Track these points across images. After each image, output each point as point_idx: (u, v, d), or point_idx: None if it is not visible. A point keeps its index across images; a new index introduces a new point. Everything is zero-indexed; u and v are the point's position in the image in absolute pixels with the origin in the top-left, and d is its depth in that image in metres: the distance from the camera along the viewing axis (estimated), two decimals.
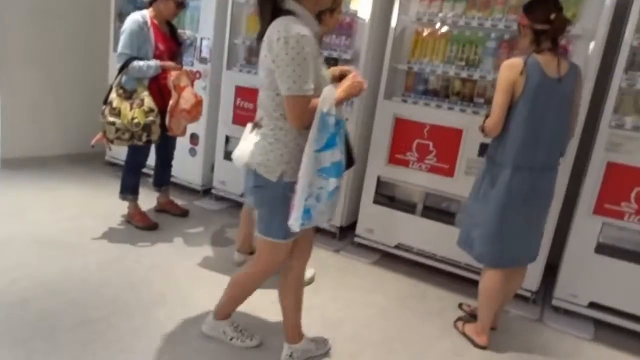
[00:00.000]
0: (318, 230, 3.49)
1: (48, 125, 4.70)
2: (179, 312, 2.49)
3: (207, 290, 2.71)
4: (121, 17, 4.50)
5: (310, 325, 2.34)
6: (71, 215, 3.52)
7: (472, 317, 2.75)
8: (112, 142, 3.10)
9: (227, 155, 4.02)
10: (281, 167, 1.82)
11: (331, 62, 3.40)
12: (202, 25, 3.95)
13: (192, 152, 4.18)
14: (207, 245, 3.31)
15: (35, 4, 4.35)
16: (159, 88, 3.22)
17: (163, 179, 3.71)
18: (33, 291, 2.51)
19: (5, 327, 2.21)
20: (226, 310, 2.29)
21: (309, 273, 2.89)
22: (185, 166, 4.16)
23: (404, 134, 3.28)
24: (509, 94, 2.21)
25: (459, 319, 2.73)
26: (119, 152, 4.61)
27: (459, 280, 3.17)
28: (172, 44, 3.31)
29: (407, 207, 3.38)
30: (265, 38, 1.76)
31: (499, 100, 2.23)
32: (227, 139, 4.03)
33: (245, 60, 3.94)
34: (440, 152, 3.18)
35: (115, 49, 4.45)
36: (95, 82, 4.83)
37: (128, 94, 3.12)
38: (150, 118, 3.07)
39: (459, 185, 3.10)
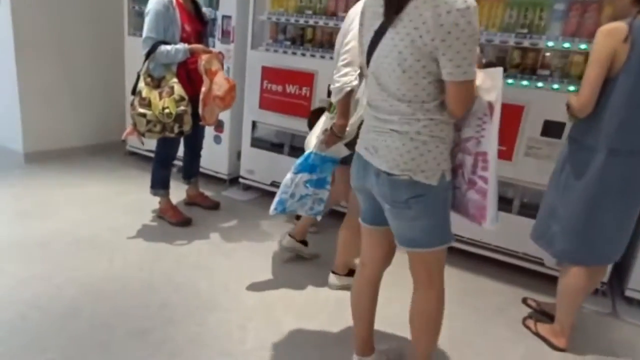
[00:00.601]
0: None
1: (66, 116, 4.47)
2: (232, 317, 2.33)
3: (256, 292, 2.56)
4: None
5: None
6: (102, 212, 3.33)
7: (541, 314, 2.55)
8: (143, 135, 2.89)
9: (255, 143, 3.82)
10: (441, 166, 1.54)
11: None
12: (223, 1, 3.67)
13: (217, 139, 3.96)
14: (245, 241, 3.13)
15: None
16: (188, 74, 2.99)
17: (192, 170, 3.50)
18: (80, 299, 2.35)
19: (61, 340, 2.06)
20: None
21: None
22: (211, 155, 3.94)
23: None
24: (606, 66, 1.92)
25: (529, 317, 2.53)
26: (138, 143, 4.42)
27: None
28: (198, 25, 3.06)
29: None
30: (410, 12, 1.42)
31: (594, 73, 1.93)
32: (254, 125, 3.81)
33: (271, 39, 3.68)
34: None
35: (130, 32, 4.26)
36: (110, 67, 4.63)
37: (156, 82, 2.89)
38: (182, 107, 2.84)
39: None
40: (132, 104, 2.88)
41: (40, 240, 2.84)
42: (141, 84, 2.86)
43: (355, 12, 2.17)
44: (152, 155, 4.31)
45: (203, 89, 2.92)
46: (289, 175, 2.32)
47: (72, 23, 4.32)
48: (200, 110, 2.95)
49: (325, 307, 2.48)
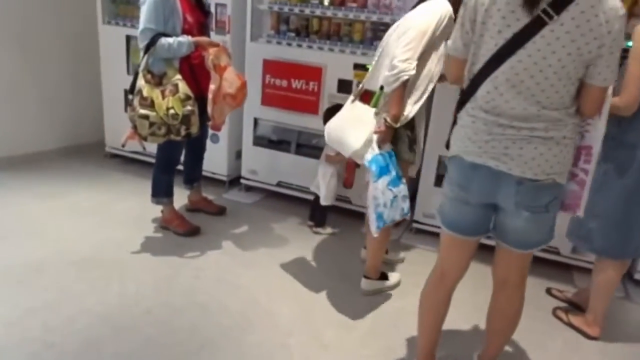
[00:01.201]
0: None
1: (33, 115, 4.04)
2: (271, 335, 2.15)
3: (288, 304, 2.38)
4: None
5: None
6: (95, 226, 3.02)
7: (567, 303, 2.57)
8: (145, 139, 2.60)
9: (257, 141, 3.58)
10: (569, 167, 1.60)
11: None
12: None
13: (215, 138, 3.68)
14: (263, 247, 2.92)
15: None
16: (191, 69, 2.73)
17: (195, 174, 3.24)
18: (98, 331, 2.08)
19: None
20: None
21: (394, 277, 2.61)
22: (208, 155, 3.62)
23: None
24: None
25: (558, 308, 2.52)
26: (119, 143, 4.08)
27: None
28: (200, 15, 2.78)
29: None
30: (577, 17, 1.36)
31: (637, 71, 1.90)
32: (256, 122, 3.56)
33: (273, 30, 3.43)
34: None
35: (104, 20, 3.89)
36: (83, 60, 4.24)
37: (157, 79, 2.60)
38: (189, 107, 2.58)
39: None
40: (131, 105, 2.59)
41: (34, 265, 2.52)
42: (141, 82, 2.57)
43: (436, 9, 2.10)
44: (135, 157, 4.05)
45: (212, 87, 2.67)
46: (371, 187, 2.11)
47: (36, 10, 3.87)
48: (209, 110, 2.70)
49: (365, 314, 2.35)
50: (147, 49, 2.55)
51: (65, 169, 3.93)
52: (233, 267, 2.66)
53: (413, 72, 2.05)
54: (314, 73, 3.26)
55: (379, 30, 3.11)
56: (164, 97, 2.56)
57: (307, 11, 3.22)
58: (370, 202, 2.15)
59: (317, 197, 3.14)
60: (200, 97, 2.69)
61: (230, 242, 2.95)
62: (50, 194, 3.44)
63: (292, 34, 3.35)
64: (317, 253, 2.92)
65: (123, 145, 2.65)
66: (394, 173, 2.11)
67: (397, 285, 2.60)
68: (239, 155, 3.79)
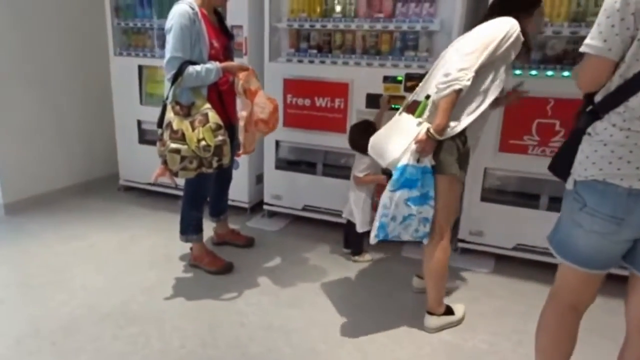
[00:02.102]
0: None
1: (48, 154, 3.85)
2: None
3: (348, 349, 2.16)
4: (118, 11, 3.68)
5: None
6: (122, 269, 2.80)
7: None
8: (176, 174, 2.40)
9: (280, 164, 3.39)
10: None
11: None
12: (233, 9, 3.19)
13: (235, 163, 3.47)
14: (302, 282, 2.71)
15: (17, 9, 3.44)
16: (219, 96, 2.53)
17: (222, 205, 3.03)
18: None
19: None
20: None
21: (460, 310, 2.39)
22: None
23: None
24: None
25: None
26: (135, 174, 3.88)
27: None
28: (224, 39, 2.59)
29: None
30: None
31: None
32: (277, 145, 3.37)
33: (292, 48, 3.25)
34: None
35: (116, 52, 3.72)
36: (95, 93, 4.06)
37: (186, 110, 2.41)
38: (220, 137, 2.38)
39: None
40: (160, 139, 2.40)
41: (66, 323, 2.29)
42: (170, 115, 2.37)
43: (503, 26, 1.94)
44: (150, 188, 3.84)
45: (243, 113, 2.48)
46: (386, 194, 2.00)
47: (50, 47, 3.72)
48: (240, 138, 2.51)
49: (435, 354, 2.15)
50: (175, 78, 2.35)
51: (82, 206, 3.74)
52: (278, 309, 2.45)
53: (468, 83, 1.87)
54: (340, 89, 3.09)
55: (408, 40, 2.94)
56: (193, 128, 2.36)
57: (330, 25, 3.06)
58: (380, 207, 2.02)
59: (349, 223, 2.96)
60: (230, 125, 2.50)
61: (266, 278, 2.74)
62: (73, 235, 3.23)
63: (314, 51, 3.16)
64: (361, 284, 2.72)
65: (153, 183, 2.44)
66: (422, 191, 1.97)
67: (463, 318, 2.36)
68: (259, 179, 3.60)
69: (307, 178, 3.34)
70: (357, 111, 3.07)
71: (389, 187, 2.00)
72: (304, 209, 3.39)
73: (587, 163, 1.41)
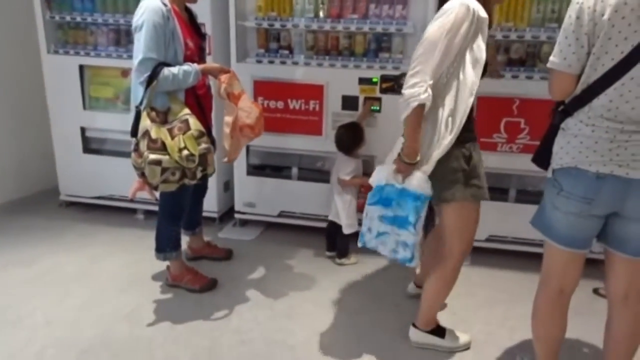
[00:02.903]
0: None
1: None
2: None
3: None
4: (50, 3, 3.29)
5: None
6: (91, 297, 2.51)
7: None
8: (156, 188, 2.19)
9: (252, 170, 3.23)
10: None
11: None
12: (194, 6, 2.98)
13: None
14: (293, 292, 2.60)
15: None
16: (197, 101, 2.36)
17: (197, 217, 2.82)
18: None
19: None
20: None
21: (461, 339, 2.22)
22: None
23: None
24: None
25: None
26: (78, 187, 3.52)
27: None
28: (197, 38, 2.41)
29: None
30: None
31: None
32: (248, 150, 3.21)
33: (262, 48, 3.10)
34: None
35: (50, 49, 3.32)
36: (26, 97, 3.59)
37: (162, 117, 2.21)
38: (204, 145, 2.21)
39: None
40: (136, 150, 2.17)
41: None
42: (146, 122, 2.16)
43: (449, 11, 1.73)
44: (96, 202, 3.50)
45: (227, 119, 2.32)
46: (365, 207, 1.99)
47: None
48: (226, 145, 2.35)
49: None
50: (149, 82, 2.14)
51: (20, 227, 3.30)
52: (276, 322, 2.33)
53: (425, 95, 1.70)
54: (315, 91, 3.00)
55: (382, 42, 2.93)
56: (173, 136, 2.17)
57: (302, 25, 2.96)
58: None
59: (332, 226, 2.90)
60: (209, 132, 2.34)
61: (255, 290, 2.60)
62: (15, 262, 2.84)
63: (285, 52, 3.05)
64: (354, 288, 2.66)
65: (132, 200, 2.21)
66: (398, 212, 1.88)
67: (460, 348, 2.16)
68: (227, 187, 3.42)
69: (282, 183, 3.22)
70: (333, 113, 3.00)
71: (367, 200, 1.96)
72: (280, 215, 3.27)
73: (561, 153, 1.61)
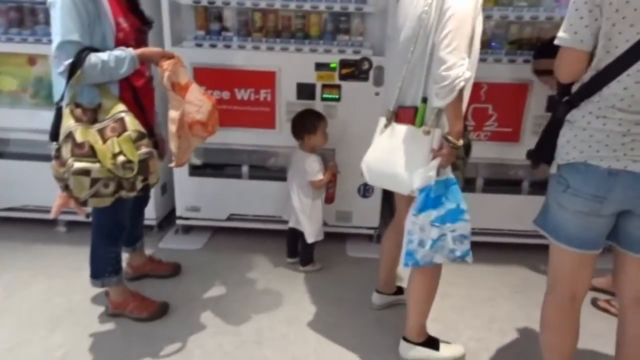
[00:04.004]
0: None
1: None
2: None
3: None
4: None
5: None
6: (10, 337, 2.03)
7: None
8: (85, 203, 1.77)
9: (195, 171, 2.85)
10: None
11: None
12: None
13: None
14: (262, 312, 2.28)
15: None
16: (135, 95, 1.94)
17: (138, 231, 2.40)
18: None
19: None
20: None
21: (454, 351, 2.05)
22: None
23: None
24: None
25: (596, 298, 2.42)
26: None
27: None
28: (134, 19, 1.97)
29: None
30: None
31: None
32: None
33: (201, 29, 2.69)
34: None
35: None
36: None
37: (90, 115, 1.78)
38: (144, 149, 1.81)
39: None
40: (57, 158, 1.74)
41: None
42: (69, 122, 1.72)
43: None
44: (6, 215, 2.91)
45: (172, 114, 1.93)
46: (409, 220, 1.73)
47: None
48: (172, 147, 1.96)
49: None
50: (72, 71, 1.70)
51: None
52: (247, 351, 2.02)
53: (469, 73, 1.62)
54: (266, 79, 2.67)
55: (340, 22, 2.65)
56: (105, 139, 1.75)
57: (249, 3, 2.59)
58: (405, 233, 1.77)
59: (293, 232, 2.63)
60: (150, 132, 1.94)
61: (214, 313, 2.26)
62: None
63: (230, 34, 2.67)
64: (324, 298, 2.41)
65: (55, 218, 1.78)
66: (450, 206, 1.71)
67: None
68: (164, 189, 3.00)
69: (231, 183, 2.86)
70: (287, 103, 2.69)
71: (412, 211, 1.72)
72: (230, 218, 2.92)
73: (568, 147, 1.49)
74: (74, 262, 2.57)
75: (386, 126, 1.83)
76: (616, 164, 1.41)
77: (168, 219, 3.06)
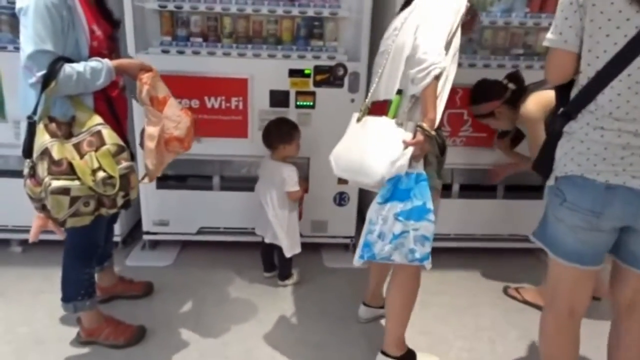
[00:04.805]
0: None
1: None
2: None
3: None
4: None
5: None
6: None
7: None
8: (63, 224, 1.64)
9: (162, 184, 2.70)
10: None
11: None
12: None
13: None
14: (241, 331, 2.19)
15: None
16: (110, 106, 1.82)
17: (107, 248, 2.24)
18: None
19: None
20: None
21: None
22: None
23: None
24: None
25: (507, 287, 2.55)
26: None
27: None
28: (106, 25, 1.84)
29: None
30: None
31: None
32: None
33: (167, 35, 2.56)
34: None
35: None
36: None
37: (65, 129, 1.66)
38: (124, 164, 1.72)
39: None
40: (32, 176, 1.60)
41: None
42: (44, 137, 1.59)
43: None
44: None
45: (150, 129, 1.83)
46: (372, 208, 1.67)
47: None
48: (148, 163, 1.85)
49: None
50: (45, 83, 1.56)
51: None
52: None
53: (445, 64, 1.63)
54: (237, 86, 2.59)
55: (313, 27, 2.61)
56: (82, 154, 1.64)
57: (218, 8, 2.49)
58: (366, 222, 1.71)
59: (269, 247, 2.55)
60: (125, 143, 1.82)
61: (195, 334, 2.14)
62: None
63: (198, 39, 2.56)
64: (311, 315, 2.33)
65: (33, 242, 1.64)
66: (416, 203, 1.63)
67: None
68: (128, 204, 2.82)
69: (201, 195, 2.75)
70: (260, 111, 2.62)
71: (377, 198, 1.67)
72: (200, 232, 2.80)
73: (565, 159, 1.46)
74: (33, 284, 2.38)
75: (359, 120, 1.82)
76: (615, 179, 1.37)
77: (132, 234, 2.90)
